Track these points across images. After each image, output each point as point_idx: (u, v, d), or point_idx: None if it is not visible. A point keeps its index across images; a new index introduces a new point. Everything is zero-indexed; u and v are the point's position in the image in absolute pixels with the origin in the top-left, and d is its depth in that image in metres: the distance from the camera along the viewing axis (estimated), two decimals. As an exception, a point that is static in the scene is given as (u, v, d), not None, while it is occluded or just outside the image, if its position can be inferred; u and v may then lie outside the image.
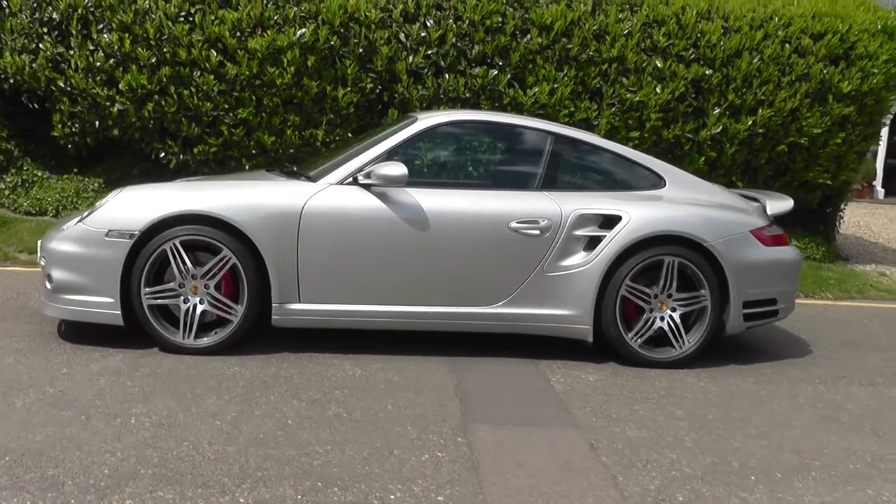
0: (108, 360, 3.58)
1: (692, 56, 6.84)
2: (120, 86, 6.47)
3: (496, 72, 6.60)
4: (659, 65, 6.77)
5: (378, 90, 6.66)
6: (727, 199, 4.39)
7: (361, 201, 3.83)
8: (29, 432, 2.79)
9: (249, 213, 3.68)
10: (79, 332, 3.91)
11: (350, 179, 3.87)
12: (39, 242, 3.97)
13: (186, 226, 3.67)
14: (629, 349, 4.01)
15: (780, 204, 4.45)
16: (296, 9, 6.47)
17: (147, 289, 3.68)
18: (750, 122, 6.87)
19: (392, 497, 2.48)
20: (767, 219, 4.35)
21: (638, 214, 3.98)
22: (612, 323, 3.98)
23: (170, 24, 6.35)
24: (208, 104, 6.49)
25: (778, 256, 4.24)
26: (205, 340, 3.75)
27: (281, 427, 2.98)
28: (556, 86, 6.65)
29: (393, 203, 3.83)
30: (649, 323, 4.04)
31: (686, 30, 6.84)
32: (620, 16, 6.81)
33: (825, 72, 6.92)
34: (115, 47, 6.38)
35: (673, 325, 4.05)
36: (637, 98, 6.76)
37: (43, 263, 3.82)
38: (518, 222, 3.92)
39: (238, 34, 6.40)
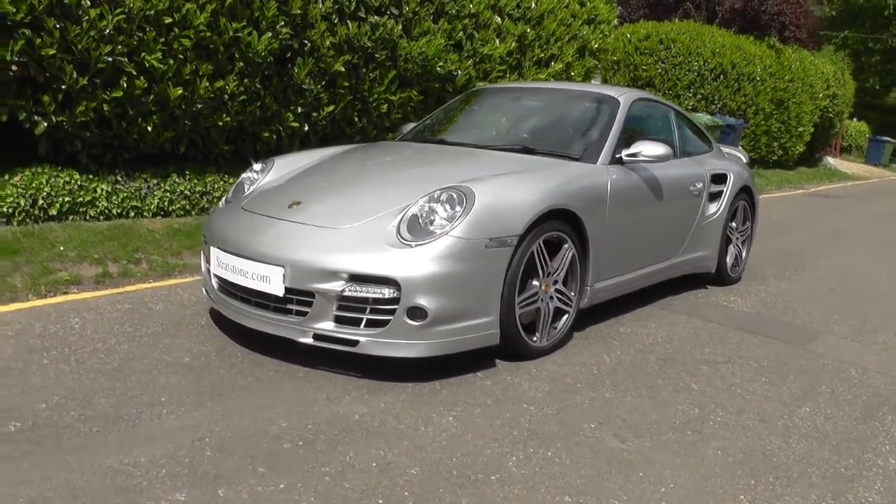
0: (527, 379, 3.20)
1: (518, 15, 7.81)
2: (-36, 15, 4.31)
3: (392, 21, 6.48)
4: (499, 21, 7.56)
5: (290, 36, 5.87)
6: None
7: (631, 178, 4.02)
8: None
9: (582, 201, 3.57)
10: (364, 367, 3.14)
11: (615, 159, 3.98)
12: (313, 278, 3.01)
13: (545, 223, 3.35)
14: (729, 273, 5.17)
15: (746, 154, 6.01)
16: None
17: (518, 297, 3.29)
18: (545, 74, 8.25)
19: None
20: None
21: (733, 172, 5.09)
22: (723, 255, 5.07)
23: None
24: (105, 46, 4.82)
25: None
26: (555, 337, 3.56)
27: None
28: (431, 38, 6.87)
29: (644, 177, 4.14)
30: (734, 251, 5.25)
31: (513, -9, 7.73)
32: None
33: (585, 33, 8.69)
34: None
35: (739, 250, 5.33)
36: (486, 51, 7.45)
37: (385, 295, 2.95)
38: (692, 185, 4.63)
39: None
